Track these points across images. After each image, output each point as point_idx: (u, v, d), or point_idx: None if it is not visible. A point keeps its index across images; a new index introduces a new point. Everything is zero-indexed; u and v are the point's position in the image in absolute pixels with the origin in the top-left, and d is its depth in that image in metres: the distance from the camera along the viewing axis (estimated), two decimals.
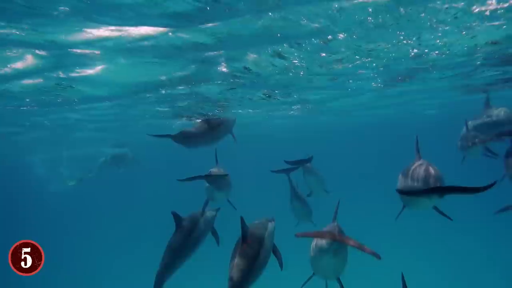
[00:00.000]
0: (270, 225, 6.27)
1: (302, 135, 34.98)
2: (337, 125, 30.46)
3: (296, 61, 9.66)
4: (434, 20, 6.98)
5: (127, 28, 6.34)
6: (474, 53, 9.52)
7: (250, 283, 5.40)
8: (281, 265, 6.31)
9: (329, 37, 7.62)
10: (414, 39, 8.18)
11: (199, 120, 15.65)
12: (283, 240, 6.48)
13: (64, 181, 23.54)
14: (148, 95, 12.30)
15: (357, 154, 50.84)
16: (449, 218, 6.47)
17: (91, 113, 14.88)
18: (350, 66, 10.05)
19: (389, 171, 13.16)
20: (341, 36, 7.59)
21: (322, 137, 40.12)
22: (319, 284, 6.58)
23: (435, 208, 6.47)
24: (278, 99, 14.90)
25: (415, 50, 9.09)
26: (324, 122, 26.58)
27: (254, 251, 5.53)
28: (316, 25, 6.81)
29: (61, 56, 7.49)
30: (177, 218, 7.24)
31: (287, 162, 10.37)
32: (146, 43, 6.99)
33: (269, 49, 8.34)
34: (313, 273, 6.15)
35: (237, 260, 5.32)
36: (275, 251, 6.25)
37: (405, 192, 6.30)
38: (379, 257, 4.51)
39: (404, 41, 8.31)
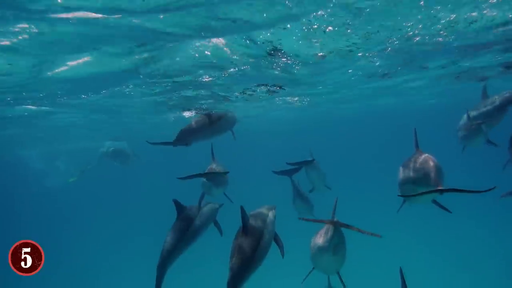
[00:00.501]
0: (271, 214, 6.29)
1: (299, 127, 34.83)
2: (336, 116, 30.29)
3: (287, 60, 9.51)
4: None
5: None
6: (483, 33, 9.11)
7: (251, 272, 5.42)
8: (282, 253, 6.32)
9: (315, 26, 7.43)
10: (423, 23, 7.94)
11: (193, 114, 15.63)
12: (285, 227, 6.47)
13: (65, 179, 23.47)
14: (130, 88, 12.06)
15: (357, 144, 50.81)
16: (448, 211, 6.49)
17: (74, 104, 14.40)
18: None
19: (389, 161, 13.18)
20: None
21: (320, 128, 40.00)
22: (320, 276, 6.63)
23: (435, 201, 6.54)
24: (262, 94, 14.72)
25: (418, 38, 8.89)
26: (323, 113, 26.44)
27: (255, 240, 5.54)
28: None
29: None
30: (178, 206, 7.31)
31: (289, 163, 10.36)
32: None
33: (244, 36, 7.92)
34: (313, 268, 6.26)
35: (237, 249, 5.35)
36: (276, 239, 6.27)
37: (408, 195, 6.32)
38: (379, 236, 4.64)
39: (406, 24, 8.06)
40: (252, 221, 5.80)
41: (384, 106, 25.78)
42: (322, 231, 5.83)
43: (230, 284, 5.09)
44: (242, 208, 5.63)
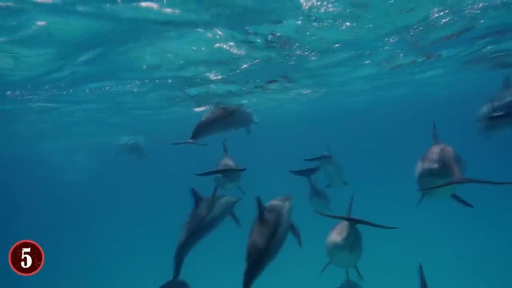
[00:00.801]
0: (287, 204, 6.25)
1: (312, 119, 34.48)
2: (348, 108, 29.88)
3: (301, 52, 9.12)
4: None
5: None
6: None
7: (268, 262, 5.42)
8: (299, 242, 6.36)
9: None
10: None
11: (206, 108, 15.45)
12: (300, 219, 6.47)
13: (84, 172, 23.37)
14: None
15: (372, 137, 50.14)
16: (469, 205, 6.28)
17: (79, 101, 14.26)
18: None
19: (406, 154, 12.82)
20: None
21: (331, 120, 39.60)
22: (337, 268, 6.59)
23: (455, 196, 6.36)
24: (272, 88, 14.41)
25: (445, 20, 8.32)
26: (335, 105, 26.06)
27: (271, 230, 5.53)
28: None
29: None
30: (196, 196, 7.52)
31: (306, 160, 10.14)
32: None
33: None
34: (330, 261, 6.23)
35: (254, 238, 5.35)
36: (293, 229, 6.27)
37: (428, 188, 6.12)
38: (396, 227, 4.61)
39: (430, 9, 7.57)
40: (268, 211, 5.79)
41: (397, 97, 25.30)
42: (338, 228, 5.75)
43: (247, 274, 5.10)
44: (258, 199, 5.64)
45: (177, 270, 6.99)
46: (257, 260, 5.19)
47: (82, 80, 10.60)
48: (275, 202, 6.20)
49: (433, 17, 7.98)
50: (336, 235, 5.60)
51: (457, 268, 16.65)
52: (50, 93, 11.81)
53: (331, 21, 7.45)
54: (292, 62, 10.54)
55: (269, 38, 8.22)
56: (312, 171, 10.53)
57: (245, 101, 15.70)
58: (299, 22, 7.35)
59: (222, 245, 16.61)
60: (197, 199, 7.53)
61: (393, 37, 9.28)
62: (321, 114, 31.93)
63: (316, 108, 26.12)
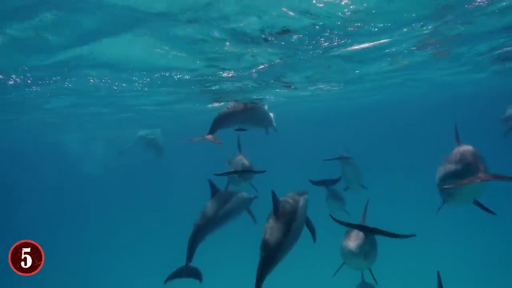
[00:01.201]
0: (302, 199, 6.27)
1: (327, 116, 33.96)
2: (364, 105, 29.24)
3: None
4: None
5: None
6: None
7: (282, 256, 5.42)
8: (314, 237, 6.40)
9: None
10: None
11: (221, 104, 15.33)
12: (314, 219, 6.47)
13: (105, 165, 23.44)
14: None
15: (389, 137, 49.17)
16: (491, 212, 6.09)
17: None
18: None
19: (422, 155, 12.39)
20: None
21: (346, 118, 38.94)
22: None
23: (476, 202, 6.16)
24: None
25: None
26: (352, 101, 25.54)
27: (286, 224, 5.54)
28: None
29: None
30: (213, 187, 7.73)
31: (325, 160, 10.02)
32: None
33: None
34: (344, 263, 6.25)
35: (269, 232, 5.37)
36: (308, 224, 6.31)
37: (449, 186, 5.91)
38: (412, 235, 4.59)
39: None
40: (283, 206, 5.78)
41: (418, 95, 24.63)
42: (354, 234, 5.73)
43: (261, 267, 5.14)
44: (273, 192, 5.62)
45: (189, 257, 7.14)
46: (271, 254, 5.19)
47: (82, 67, 10.36)
48: (290, 196, 6.18)
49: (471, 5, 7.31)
50: (351, 242, 5.57)
51: (471, 276, 16.21)
52: (53, 81, 11.62)
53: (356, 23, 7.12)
54: (311, 52, 10.11)
55: (282, 35, 7.84)
56: (333, 182, 10.26)
57: (260, 96, 15.47)
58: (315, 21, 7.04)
59: (236, 240, 16.58)
60: (214, 190, 7.69)
61: (419, 25, 8.70)
62: (338, 111, 31.44)
63: (332, 105, 25.70)
